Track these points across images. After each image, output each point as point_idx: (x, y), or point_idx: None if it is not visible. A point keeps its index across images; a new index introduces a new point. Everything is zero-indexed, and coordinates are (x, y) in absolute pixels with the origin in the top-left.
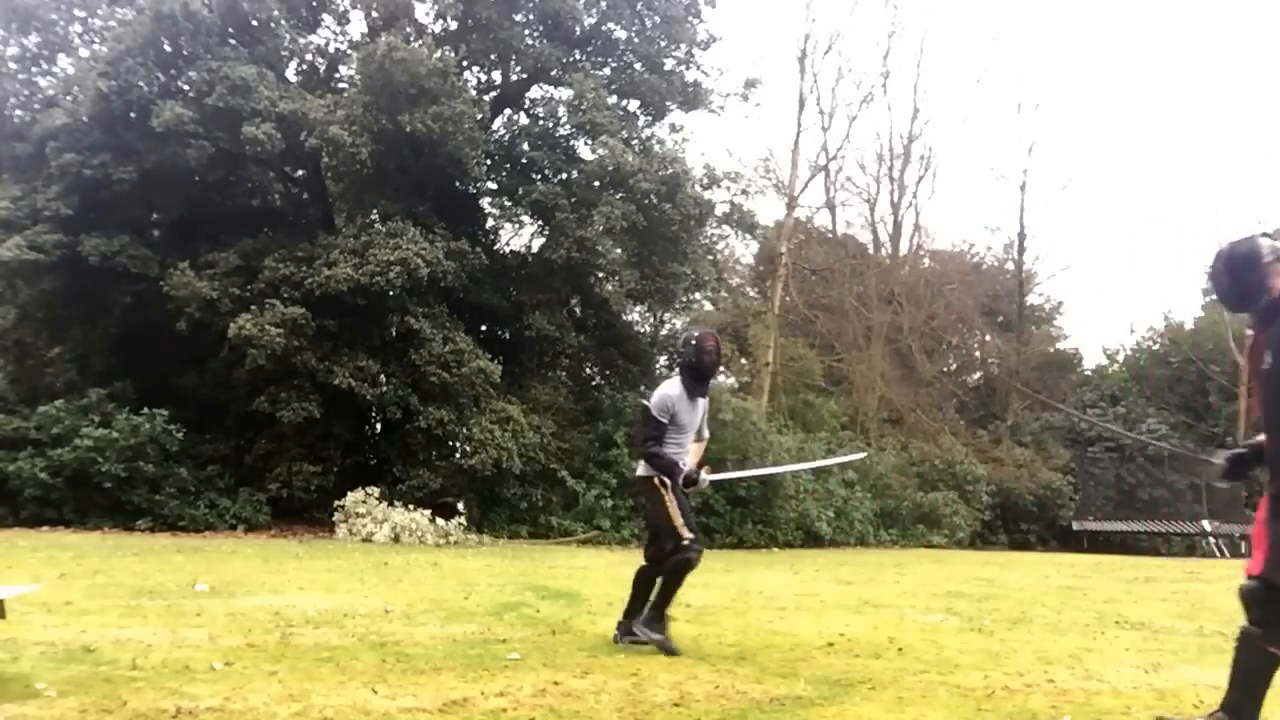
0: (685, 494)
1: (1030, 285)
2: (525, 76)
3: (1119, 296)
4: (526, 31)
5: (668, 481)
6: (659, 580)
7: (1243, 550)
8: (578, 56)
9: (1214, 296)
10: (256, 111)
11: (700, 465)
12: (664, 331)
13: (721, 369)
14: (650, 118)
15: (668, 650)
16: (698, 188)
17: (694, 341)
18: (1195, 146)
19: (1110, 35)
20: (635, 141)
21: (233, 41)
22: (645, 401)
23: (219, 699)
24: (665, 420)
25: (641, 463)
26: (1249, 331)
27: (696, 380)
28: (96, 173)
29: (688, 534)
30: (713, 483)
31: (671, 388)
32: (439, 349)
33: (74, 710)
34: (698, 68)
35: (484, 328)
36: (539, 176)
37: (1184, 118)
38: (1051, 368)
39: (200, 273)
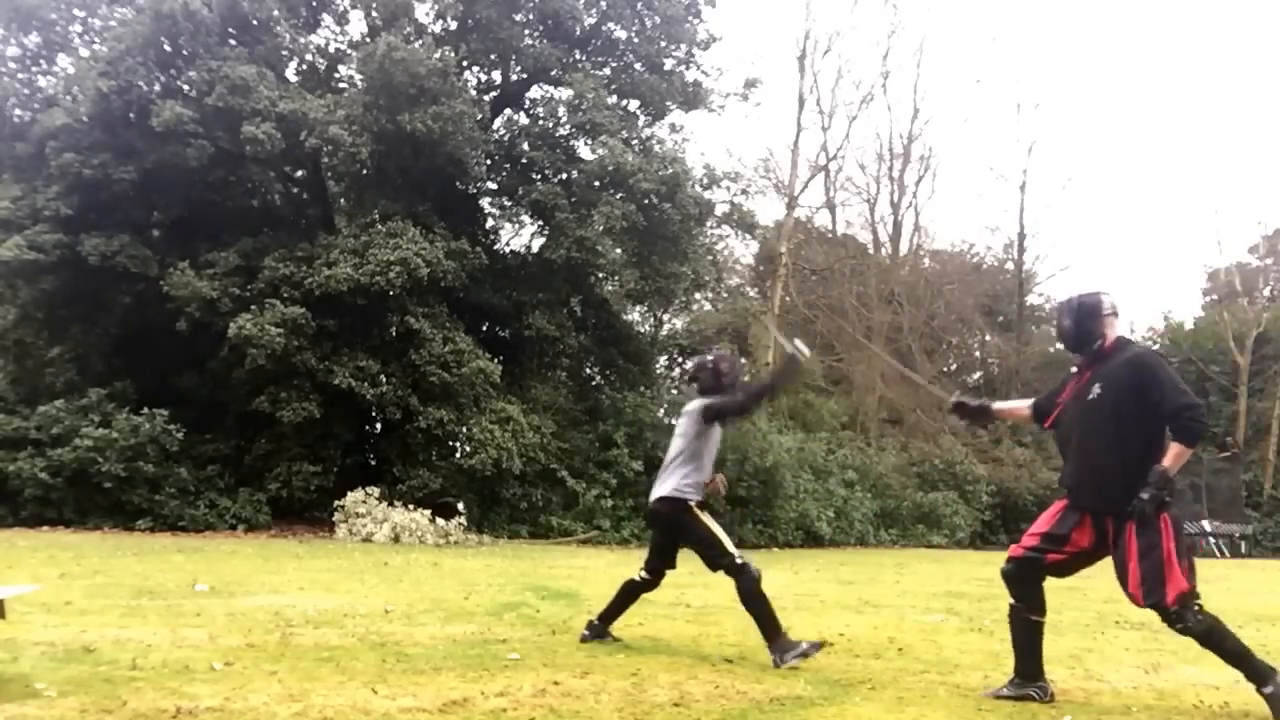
0: (717, 512)
1: (1030, 285)
2: (525, 76)
3: (1119, 296)
4: (526, 31)
5: (698, 501)
6: (750, 611)
7: (1242, 550)
8: (578, 56)
9: (1060, 338)
10: (256, 111)
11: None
12: (664, 331)
13: None
14: (650, 118)
15: (819, 645)
16: (698, 188)
17: (710, 365)
18: (1195, 146)
19: (1110, 35)
20: (635, 141)
21: (233, 41)
22: (703, 403)
23: (219, 699)
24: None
25: (666, 484)
26: (1074, 369)
27: None
28: (96, 173)
29: (736, 551)
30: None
31: None
32: (439, 349)
33: (74, 710)
34: (698, 68)
35: (484, 328)
36: (539, 176)
37: (1184, 117)
38: (1052, 368)
39: (200, 273)
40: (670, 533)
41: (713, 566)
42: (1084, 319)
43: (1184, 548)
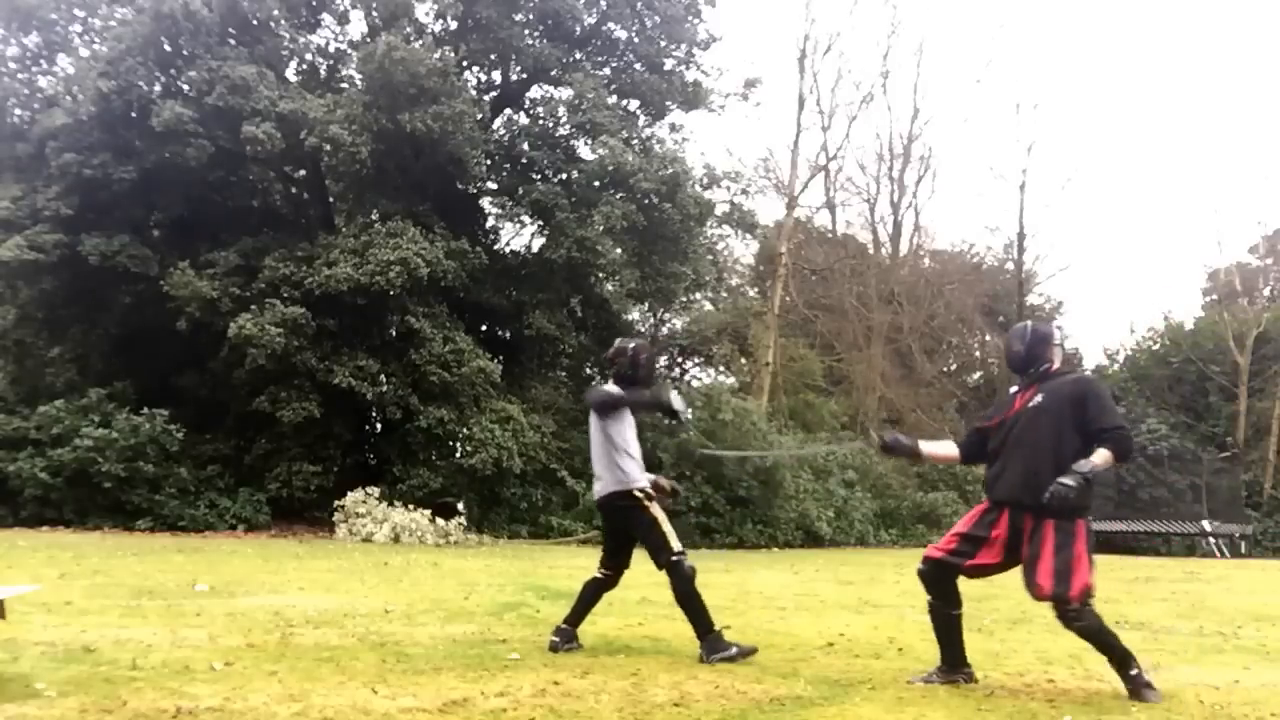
0: (666, 501)
1: (1030, 285)
2: (525, 76)
3: (1119, 296)
4: (526, 31)
5: (652, 494)
6: (684, 608)
7: (1242, 550)
8: (578, 56)
9: (1008, 359)
10: (256, 111)
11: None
12: (664, 331)
13: (721, 368)
14: (650, 118)
15: (748, 652)
16: (698, 187)
17: (629, 352)
18: (1195, 146)
19: (1110, 35)
20: (635, 141)
21: (233, 41)
22: (593, 392)
23: (219, 699)
24: (621, 394)
25: (608, 478)
26: (1013, 389)
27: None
28: (96, 173)
29: (679, 545)
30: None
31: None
32: (439, 349)
33: (74, 710)
34: (698, 68)
35: (484, 327)
36: (539, 176)
37: (1184, 117)
38: None
39: (200, 272)
40: (618, 524)
41: (658, 564)
42: (1036, 344)
43: (1092, 552)
